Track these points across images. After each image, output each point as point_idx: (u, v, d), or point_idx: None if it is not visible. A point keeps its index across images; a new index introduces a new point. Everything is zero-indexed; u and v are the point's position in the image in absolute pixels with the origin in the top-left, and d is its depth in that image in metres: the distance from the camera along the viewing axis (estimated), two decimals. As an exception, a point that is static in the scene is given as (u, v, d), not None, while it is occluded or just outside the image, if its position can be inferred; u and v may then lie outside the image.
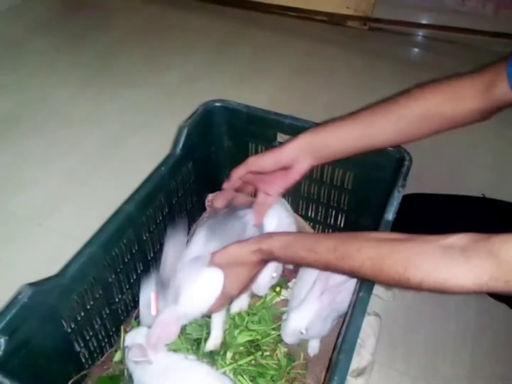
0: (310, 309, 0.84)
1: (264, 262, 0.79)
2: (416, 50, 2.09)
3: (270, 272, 0.92)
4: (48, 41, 2.03)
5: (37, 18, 2.20)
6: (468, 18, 2.00)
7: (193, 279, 0.80)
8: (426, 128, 0.78)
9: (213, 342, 0.90)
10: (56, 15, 2.27)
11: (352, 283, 0.83)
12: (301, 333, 0.84)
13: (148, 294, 0.84)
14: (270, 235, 0.78)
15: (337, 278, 0.85)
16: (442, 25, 2.02)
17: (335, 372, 0.62)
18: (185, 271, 0.81)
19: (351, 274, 0.68)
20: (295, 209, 1.12)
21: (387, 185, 0.90)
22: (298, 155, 0.83)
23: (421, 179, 1.27)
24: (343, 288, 0.85)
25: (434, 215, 1.05)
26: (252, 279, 0.83)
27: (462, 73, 0.78)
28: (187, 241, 0.99)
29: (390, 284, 0.62)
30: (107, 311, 0.87)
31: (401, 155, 0.89)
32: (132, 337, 0.81)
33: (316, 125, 0.91)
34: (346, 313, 0.85)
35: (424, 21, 2.03)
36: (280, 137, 1.03)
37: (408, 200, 0.95)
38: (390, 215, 0.80)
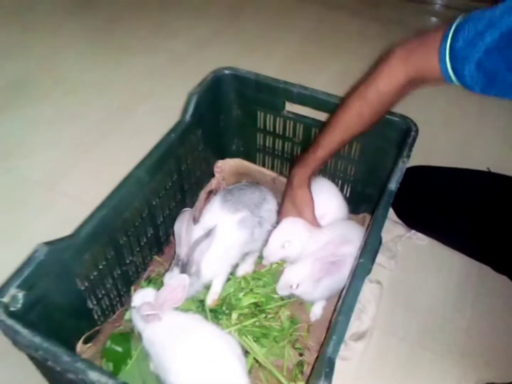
0: (302, 268, 0.89)
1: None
2: (432, 19, 2.05)
3: (283, 240, 0.96)
4: (57, 4, 2.01)
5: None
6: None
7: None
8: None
9: (212, 297, 0.96)
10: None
11: (348, 262, 0.88)
12: (291, 287, 0.90)
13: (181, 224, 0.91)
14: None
15: (334, 252, 0.90)
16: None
17: (334, 332, 0.65)
18: (200, 245, 0.88)
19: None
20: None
21: (393, 156, 0.91)
22: None
23: (429, 152, 1.28)
24: (339, 262, 0.89)
25: (438, 188, 1.07)
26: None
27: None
28: (197, 209, 1.03)
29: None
30: (119, 272, 0.91)
31: (408, 126, 0.90)
32: (140, 297, 0.85)
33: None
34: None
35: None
36: (289, 106, 1.04)
37: (413, 172, 0.97)
38: (393, 185, 0.82)
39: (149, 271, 1.01)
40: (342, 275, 0.87)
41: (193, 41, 1.82)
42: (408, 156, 0.85)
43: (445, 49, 0.69)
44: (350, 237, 0.92)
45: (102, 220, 0.79)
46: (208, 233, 0.89)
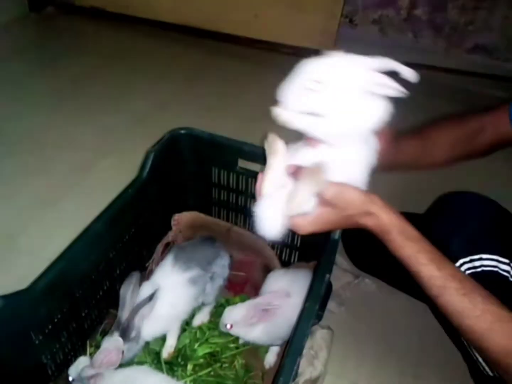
0: (238, 311, 0.95)
1: (361, 226, 0.74)
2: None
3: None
4: (23, 67, 2.08)
5: (12, 44, 2.26)
6: (422, 55, 2.17)
7: None
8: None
9: (168, 350, 0.98)
10: (30, 41, 2.33)
11: (286, 311, 0.94)
12: (226, 326, 0.95)
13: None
14: (390, 207, 0.72)
15: (271, 301, 0.96)
16: (398, 60, 2.17)
17: (281, 374, 0.69)
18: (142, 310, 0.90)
19: (457, 313, 0.67)
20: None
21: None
22: None
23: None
24: (272, 311, 0.95)
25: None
26: (323, 227, 0.76)
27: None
28: (154, 261, 1.07)
29: (491, 350, 0.64)
30: (74, 325, 0.92)
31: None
32: (76, 368, 0.86)
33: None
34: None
35: (381, 56, 2.17)
36: (241, 162, 1.12)
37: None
38: (336, 234, 0.89)
39: (105, 324, 1.02)
40: (279, 323, 0.93)
41: (154, 102, 1.92)
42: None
43: None
44: (292, 289, 0.98)
45: (58, 273, 0.82)
46: (151, 297, 0.92)
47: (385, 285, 1.24)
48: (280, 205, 0.72)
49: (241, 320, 0.95)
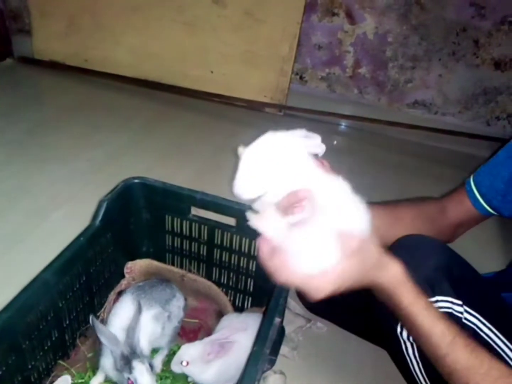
0: (196, 347, 0.96)
1: (373, 284, 0.70)
2: (324, 133, 2.36)
3: None
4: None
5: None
6: (367, 109, 2.33)
7: None
8: None
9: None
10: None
11: (240, 349, 0.96)
12: (181, 363, 0.95)
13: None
14: (406, 276, 0.70)
15: (227, 336, 0.97)
16: (345, 114, 2.34)
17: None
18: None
19: (466, 370, 0.67)
20: (208, 277, 1.22)
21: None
22: None
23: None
24: (228, 346, 0.96)
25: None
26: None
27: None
28: (106, 310, 1.07)
29: None
30: (19, 378, 0.89)
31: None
32: None
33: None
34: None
35: (330, 110, 2.32)
36: (194, 210, 1.16)
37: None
38: (283, 277, 0.93)
39: (53, 376, 1.00)
40: (233, 362, 0.94)
41: (111, 152, 1.95)
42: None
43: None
44: (247, 326, 1.00)
45: (4, 323, 0.81)
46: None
47: (337, 328, 1.28)
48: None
49: (198, 356, 0.95)
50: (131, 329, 0.92)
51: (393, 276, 0.69)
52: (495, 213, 1.01)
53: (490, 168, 1.00)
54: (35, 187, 1.70)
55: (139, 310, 0.95)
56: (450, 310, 0.82)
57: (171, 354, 1.08)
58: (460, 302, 0.82)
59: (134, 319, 0.94)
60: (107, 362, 0.95)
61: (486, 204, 1.00)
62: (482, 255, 1.61)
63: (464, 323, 0.82)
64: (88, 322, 1.08)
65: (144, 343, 0.95)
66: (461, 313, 0.82)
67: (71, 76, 2.48)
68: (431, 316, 0.70)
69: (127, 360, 0.89)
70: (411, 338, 0.84)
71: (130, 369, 0.89)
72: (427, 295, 0.79)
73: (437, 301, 0.82)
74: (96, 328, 0.92)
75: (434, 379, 0.85)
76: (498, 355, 0.80)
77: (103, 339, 0.92)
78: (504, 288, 0.98)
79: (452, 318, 0.79)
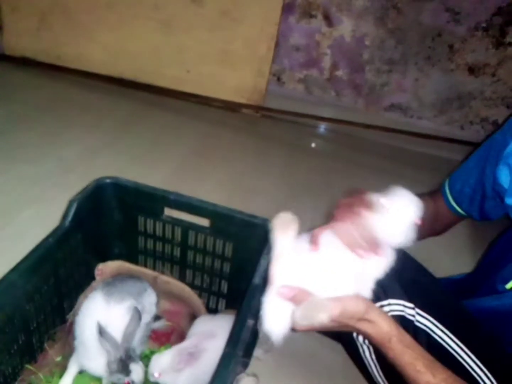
0: (166, 357, 0.95)
1: (359, 331, 0.77)
2: (301, 135, 2.38)
3: None
4: None
5: None
6: (344, 111, 2.35)
7: None
8: None
9: None
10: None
11: (210, 355, 0.95)
12: (153, 375, 0.94)
13: None
14: (385, 314, 0.77)
15: (196, 344, 0.97)
16: (322, 116, 2.35)
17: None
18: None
19: None
20: (182, 279, 1.20)
21: (259, 253, 1.02)
22: None
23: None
24: (197, 354, 0.96)
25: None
26: None
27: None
28: (73, 313, 1.04)
29: None
30: (-18, 384, 0.86)
31: (268, 226, 1.03)
32: None
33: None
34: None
35: (307, 112, 2.33)
36: (168, 211, 1.14)
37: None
38: (257, 279, 0.92)
39: (20, 380, 0.96)
40: (204, 368, 0.93)
41: (84, 151, 1.91)
42: (268, 253, 0.96)
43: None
44: (217, 331, 0.99)
45: (-34, 327, 0.78)
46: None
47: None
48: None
49: (168, 367, 0.94)
50: (129, 334, 0.93)
51: (380, 332, 0.74)
52: (466, 215, 1.03)
53: (461, 173, 1.04)
54: (3, 186, 1.64)
55: (138, 317, 0.95)
56: (402, 313, 0.83)
57: (143, 357, 1.06)
58: (411, 305, 0.84)
59: (132, 324, 0.94)
60: (95, 363, 0.95)
61: (458, 207, 1.02)
62: (453, 258, 1.65)
63: (417, 326, 0.83)
64: (57, 325, 1.06)
65: (118, 337, 0.94)
66: (413, 315, 0.84)
67: (43, 73, 2.42)
68: (416, 369, 0.73)
69: (124, 363, 0.90)
70: (367, 342, 0.86)
71: (127, 372, 0.91)
72: (381, 298, 0.83)
73: (389, 304, 0.84)
74: (101, 333, 0.91)
75: (392, 379, 0.87)
76: (451, 357, 0.82)
77: (103, 343, 0.91)
78: (464, 295, 1.00)
79: (404, 321, 0.81)
